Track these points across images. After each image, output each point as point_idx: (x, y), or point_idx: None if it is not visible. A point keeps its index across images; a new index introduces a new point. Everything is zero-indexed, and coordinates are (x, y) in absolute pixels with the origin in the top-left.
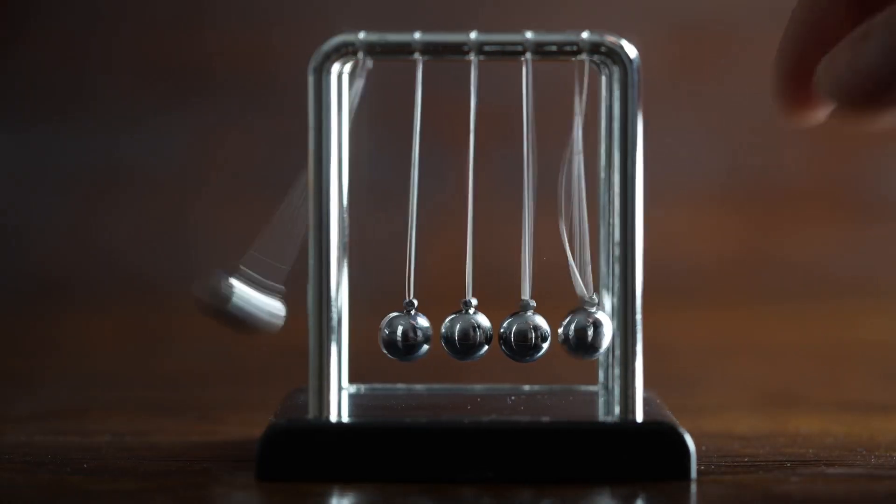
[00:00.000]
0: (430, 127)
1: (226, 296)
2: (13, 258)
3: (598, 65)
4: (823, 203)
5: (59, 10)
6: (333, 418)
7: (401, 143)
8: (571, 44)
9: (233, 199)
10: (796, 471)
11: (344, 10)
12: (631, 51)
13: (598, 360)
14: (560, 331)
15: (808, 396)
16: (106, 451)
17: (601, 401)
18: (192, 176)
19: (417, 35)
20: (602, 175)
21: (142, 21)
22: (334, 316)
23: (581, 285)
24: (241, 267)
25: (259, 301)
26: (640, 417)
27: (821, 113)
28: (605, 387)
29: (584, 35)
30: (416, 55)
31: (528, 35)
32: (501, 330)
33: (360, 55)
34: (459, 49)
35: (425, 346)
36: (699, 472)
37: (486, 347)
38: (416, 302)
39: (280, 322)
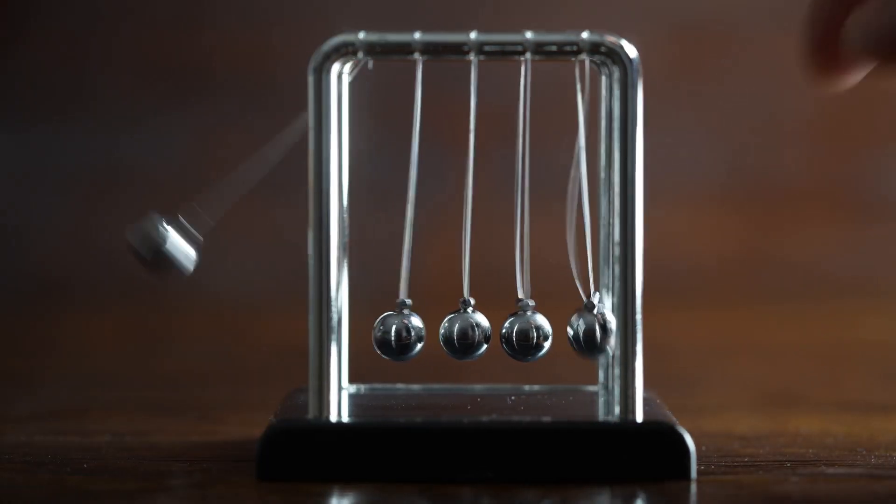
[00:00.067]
0: (429, 127)
1: (159, 241)
2: (13, 258)
3: (598, 65)
4: (823, 203)
5: (59, 10)
6: (333, 418)
7: (401, 143)
8: (571, 44)
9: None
10: (796, 471)
11: (344, 10)
12: (631, 51)
13: (598, 360)
14: (569, 331)
15: (808, 396)
16: (106, 451)
17: (601, 401)
18: (193, 176)
19: (417, 35)
20: (602, 175)
21: (142, 21)
22: (334, 316)
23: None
24: (179, 216)
25: (183, 248)
26: (640, 417)
27: (851, 76)
28: (605, 387)
29: (584, 35)
30: (416, 55)
31: (528, 35)
32: (503, 329)
33: (361, 55)
34: (459, 49)
35: (419, 346)
36: (699, 472)
37: (484, 347)
38: (409, 301)
39: (192, 268)
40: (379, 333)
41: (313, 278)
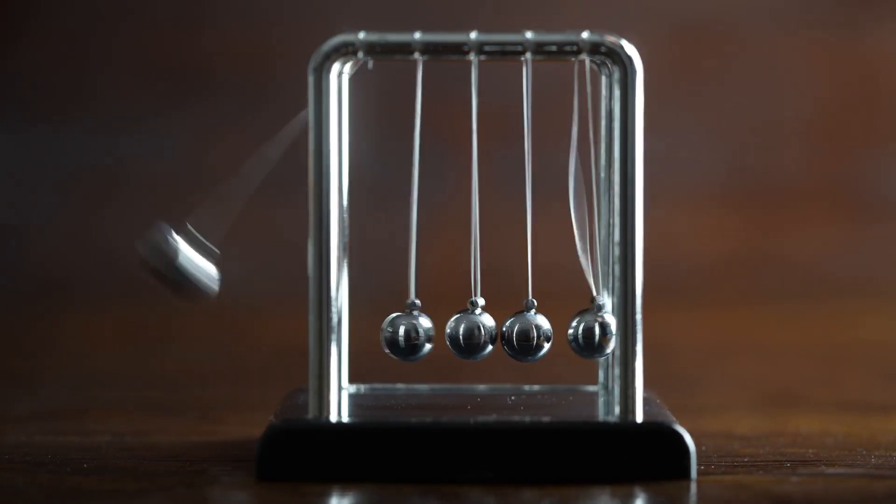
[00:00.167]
0: (430, 127)
1: (171, 254)
2: (13, 258)
3: (598, 65)
4: (823, 203)
5: (59, 10)
6: (333, 418)
7: (401, 143)
8: (571, 44)
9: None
10: (796, 471)
11: (344, 10)
12: (631, 51)
13: (598, 360)
14: (570, 331)
15: (808, 396)
16: (106, 451)
17: (601, 401)
18: (193, 176)
19: (417, 35)
20: (602, 175)
21: (142, 21)
22: (334, 316)
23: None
24: (188, 225)
25: (200, 263)
26: (639, 417)
27: None
28: (605, 387)
29: (584, 35)
30: (416, 55)
31: (528, 35)
32: (504, 329)
33: (361, 55)
34: (459, 49)
35: (428, 346)
36: (699, 472)
37: (490, 347)
38: (419, 302)
39: (216, 288)
40: (388, 333)
41: (313, 278)
